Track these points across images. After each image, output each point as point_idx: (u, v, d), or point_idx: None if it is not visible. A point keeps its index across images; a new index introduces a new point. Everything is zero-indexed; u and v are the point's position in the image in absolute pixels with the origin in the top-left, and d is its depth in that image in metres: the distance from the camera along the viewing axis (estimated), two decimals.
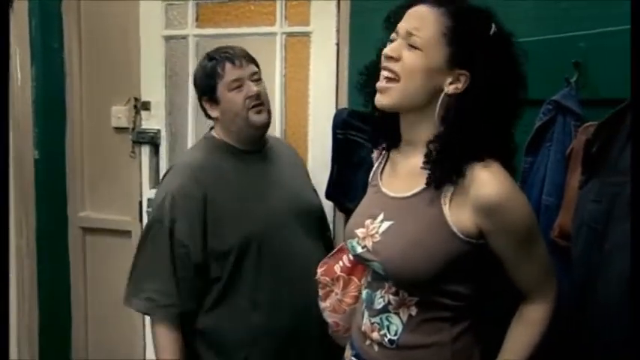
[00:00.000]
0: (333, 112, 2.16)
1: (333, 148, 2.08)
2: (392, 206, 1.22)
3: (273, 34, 2.26)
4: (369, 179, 1.39)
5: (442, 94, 1.16)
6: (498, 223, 1.12)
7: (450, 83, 1.15)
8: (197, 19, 2.37)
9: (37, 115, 2.59)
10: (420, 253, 1.14)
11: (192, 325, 1.69)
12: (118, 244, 2.62)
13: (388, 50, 1.16)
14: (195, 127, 2.37)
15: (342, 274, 1.46)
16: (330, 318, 1.50)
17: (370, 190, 1.35)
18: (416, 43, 1.13)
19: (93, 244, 2.72)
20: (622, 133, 1.22)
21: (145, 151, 2.50)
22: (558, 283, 1.24)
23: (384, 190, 1.28)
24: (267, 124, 1.75)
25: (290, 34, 2.26)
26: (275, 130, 2.27)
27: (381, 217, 1.22)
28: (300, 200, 1.81)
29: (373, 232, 1.22)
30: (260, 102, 1.70)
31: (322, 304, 1.52)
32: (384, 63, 1.17)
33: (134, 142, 2.52)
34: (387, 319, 1.22)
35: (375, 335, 1.23)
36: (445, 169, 1.13)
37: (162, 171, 2.43)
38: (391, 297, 1.20)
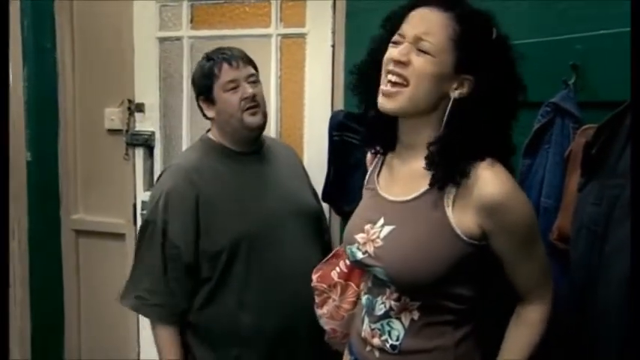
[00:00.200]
0: (328, 113, 2.15)
1: (329, 150, 2.07)
2: (392, 210, 1.21)
3: (269, 35, 2.25)
4: (365, 183, 1.38)
5: (447, 99, 1.15)
6: (501, 222, 1.12)
7: (456, 88, 1.15)
8: (192, 21, 2.36)
9: (29, 116, 2.57)
10: (424, 257, 1.13)
11: (185, 322, 1.71)
12: (111, 247, 2.61)
13: (397, 54, 1.14)
14: (189, 129, 2.36)
15: (340, 280, 1.45)
16: (327, 325, 1.49)
17: (367, 195, 1.34)
18: (425, 49, 1.12)
19: (86, 247, 2.70)
20: (621, 136, 1.22)
21: (139, 153, 2.49)
22: (556, 286, 1.24)
23: (382, 194, 1.27)
24: (262, 126, 1.75)
25: (285, 36, 2.25)
26: (270, 132, 2.26)
27: (381, 221, 1.21)
28: (297, 201, 1.80)
29: (374, 236, 1.20)
30: (255, 104, 1.71)
31: (319, 311, 1.51)
32: (392, 67, 1.15)
33: (128, 144, 2.50)
34: (389, 325, 1.21)
35: (376, 341, 1.22)
36: (448, 169, 1.13)
37: (157, 173, 2.41)
38: (393, 302, 1.20)
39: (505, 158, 1.18)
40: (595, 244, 1.23)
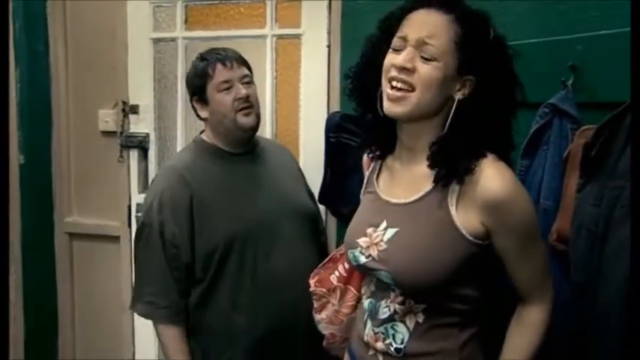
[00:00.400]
0: (324, 115, 2.14)
1: (325, 151, 2.06)
2: (395, 213, 1.20)
3: (264, 36, 2.24)
4: (363, 187, 1.37)
5: (451, 101, 1.15)
6: (504, 219, 1.12)
7: (458, 90, 1.15)
8: (186, 22, 2.35)
9: (22, 118, 2.54)
10: (430, 259, 1.13)
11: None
12: (106, 250, 2.59)
13: (402, 61, 1.12)
14: (184, 130, 2.35)
15: (339, 284, 1.44)
16: (326, 330, 1.48)
17: (366, 198, 1.33)
18: (430, 53, 1.11)
19: (80, 250, 2.67)
20: (620, 137, 1.22)
21: (134, 155, 2.47)
22: (556, 287, 1.23)
23: (383, 197, 1.25)
24: (255, 127, 1.74)
25: (280, 37, 2.25)
26: (266, 134, 2.25)
27: (384, 224, 1.20)
28: (292, 202, 1.79)
29: (377, 240, 1.19)
30: (249, 105, 1.70)
31: (317, 316, 1.50)
32: (396, 73, 1.13)
33: (122, 146, 2.48)
34: (393, 328, 1.20)
35: (380, 345, 1.21)
36: (451, 166, 1.12)
37: (151, 175, 2.41)
38: (397, 306, 1.19)
39: (505, 154, 1.19)
40: (595, 245, 1.23)
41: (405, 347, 1.18)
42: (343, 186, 2.02)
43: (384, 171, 1.31)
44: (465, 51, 1.12)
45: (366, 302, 1.28)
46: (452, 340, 1.17)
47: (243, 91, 1.68)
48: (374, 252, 1.19)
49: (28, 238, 2.61)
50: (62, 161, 2.62)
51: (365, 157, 1.40)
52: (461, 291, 1.15)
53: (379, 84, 1.17)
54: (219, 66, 1.68)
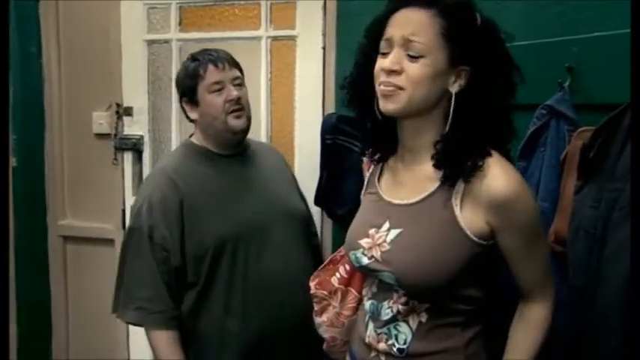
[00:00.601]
0: (319, 116, 2.14)
1: (321, 153, 2.05)
2: (398, 213, 1.20)
3: (258, 38, 2.23)
4: (364, 188, 1.37)
5: (447, 95, 1.14)
6: (510, 218, 1.11)
7: (454, 82, 1.14)
8: (180, 23, 2.33)
9: (15, 121, 2.52)
10: (434, 259, 1.12)
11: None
12: (100, 253, 2.57)
13: (389, 64, 1.12)
14: (179, 132, 2.34)
15: (340, 285, 1.44)
16: (326, 333, 1.47)
17: (368, 199, 1.32)
18: (417, 50, 1.10)
19: (74, 253, 2.66)
20: (618, 138, 1.23)
21: (128, 157, 2.45)
22: (556, 288, 1.23)
23: (386, 198, 1.25)
24: (245, 130, 1.72)
25: (275, 38, 2.24)
26: (261, 136, 2.25)
27: (386, 225, 1.20)
28: (283, 204, 1.78)
29: (380, 241, 1.19)
30: (240, 107, 1.68)
31: (318, 320, 1.49)
32: (385, 78, 1.13)
33: (116, 148, 2.47)
34: (396, 328, 1.19)
35: (382, 346, 1.21)
36: (458, 164, 1.12)
37: None
38: (400, 307, 1.18)
39: (507, 147, 1.19)
40: (593, 247, 1.23)
41: (407, 347, 1.18)
42: (339, 187, 2.02)
43: (386, 172, 1.30)
44: (454, 42, 1.11)
45: (367, 304, 1.27)
46: (456, 339, 1.17)
47: (234, 92, 1.67)
48: (377, 253, 1.19)
49: (21, 241, 2.59)
50: (56, 164, 2.60)
51: (365, 160, 1.39)
52: (465, 292, 1.15)
53: (374, 90, 1.17)
54: (210, 67, 1.67)
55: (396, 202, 1.22)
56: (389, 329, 1.20)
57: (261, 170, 1.81)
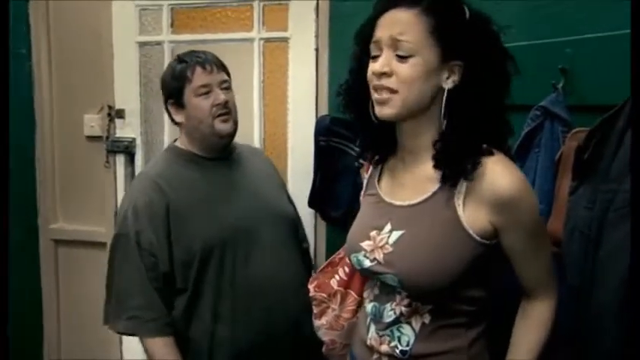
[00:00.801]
0: (312, 118, 2.14)
1: (315, 155, 2.05)
2: (399, 215, 1.19)
3: (251, 39, 2.23)
4: (363, 190, 1.36)
5: (442, 91, 1.13)
6: (514, 217, 1.11)
7: (447, 78, 1.13)
8: (172, 25, 2.33)
9: None
10: (437, 260, 1.12)
11: None
12: (92, 257, 2.55)
13: (378, 66, 1.11)
14: (171, 135, 2.32)
15: (340, 288, 1.43)
16: (325, 336, 1.47)
17: (368, 201, 1.31)
18: (405, 50, 1.10)
19: (66, 257, 2.64)
20: (612, 139, 1.22)
21: (120, 160, 2.44)
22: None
23: (387, 199, 1.24)
24: (232, 134, 1.69)
25: (268, 40, 2.23)
26: (254, 138, 2.24)
27: (388, 227, 1.19)
28: (271, 208, 1.75)
29: (382, 243, 1.18)
30: (227, 111, 1.65)
31: (317, 322, 1.48)
32: (377, 82, 1.12)
33: (108, 151, 2.45)
34: (398, 330, 1.19)
35: (385, 348, 1.20)
36: (458, 163, 1.11)
37: None
38: (403, 308, 1.18)
39: (506, 141, 1.19)
40: (588, 249, 1.23)
41: (410, 349, 1.17)
42: (333, 189, 2.02)
43: (386, 173, 1.30)
44: (443, 38, 1.10)
45: (369, 306, 1.26)
46: (459, 340, 1.17)
47: (222, 96, 1.64)
48: (379, 255, 1.18)
49: (12, 244, 2.55)
50: (47, 167, 2.58)
51: (364, 163, 1.39)
52: (467, 292, 1.15)
53: (369, 94, 1.17)
54: (198, 69, 1.63)
55: (398, 203, 1.21)
56: (391, 331, 1.19)
57: (248, 173, 1.78)
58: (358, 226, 1.28)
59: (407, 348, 1.17)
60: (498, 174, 1.10)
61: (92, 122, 2.49)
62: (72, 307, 2.65)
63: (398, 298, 1.18)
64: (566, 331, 1.25)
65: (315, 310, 1.48)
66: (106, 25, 2.37)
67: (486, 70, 1.12)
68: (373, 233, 1.20)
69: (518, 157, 1.48)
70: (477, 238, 1.11)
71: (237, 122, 1.70)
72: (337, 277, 1.44)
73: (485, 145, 1.13)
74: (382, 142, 1.26)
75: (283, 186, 1.94)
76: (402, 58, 1.10)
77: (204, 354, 1.62)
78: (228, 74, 1.71)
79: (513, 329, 1.22)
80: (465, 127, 1.12)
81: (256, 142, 2.25)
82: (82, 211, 2.57)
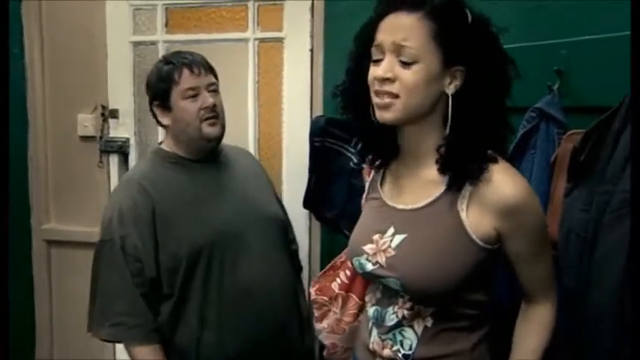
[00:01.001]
0: (307, 119, 2.13)
1: (310, 156, 2.05)
2: (402, 219, 1.19)
3: (246, 39, 2.22)
4: (365, 193, 1.35)
5: (444, 96, 1.13)
6: (520, 224, 1.11)
7: (450, 83, 1.12)
8: (166, 25, 2.32)
9: None
10: (440, 265, 1.11)
11: None
12: (85, 257, 2.48)
13: (381, 72, 1.10)
14: (165, 135, 2.30)
15: (341, 291, 1.42)
16: (327, 340, 1.46)
17: (370, 205, 1.30)
18: (409, 56, 1.09)
19: (58, 258, 2.62)
20: (608, 141, 1.23)
21: (114, 160, 2.44)
22: None
23: (390, 203, 1.24)
24: (219, 137, 1.66)
25: (263, 40, 2.23)
26: (248, 138, 2.24)
27: (391, 230, 1.18)
28: (259, 211, 1.72)
29: (385, 246, 1.17)
30: (215, 114, 1.62)
31: (318, 326, 1.48)
32: (379, 87, 1.11)
33: (102, 151, 2.44)
34: (401, 334, 1.18)
35: (387, 352, 1.20)
36: (463, 168, 1.11)
37: None
38: (406, 312, 1.17)
39: (505, 144, 1.19)
40: (584, 251, 1.23)
41: (413, 353, 1.17)
42: (327, 190, 2.02)
43: (388, 177, 1.29)
44: (446, 44, 1.09)
45: (371, 310, 1.26)
46: (462, 343, 1.16)
47: (210, 100, 1.61)
48: (381, 259, 1.18)
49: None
50: (40, 167, 2.56)
51: (365, 165, 1.38)
52: (470, 296, 1.15)
53: (369, 97, 1.16)
54: (185, 71, 1.60)
55: (401, 207, 1.21)
56: (394, 335, 1.19)
57: (236, 175, 1.75)
58: (361, 229, 1.27)
59: (409, 352, 1.17)
60: (504, 181, 1.10)
61: (86, 122, 2.48)
62: (64, 308, 2.63)
63: (400, 301, 1.18)
64: (563, 333, 1.25)
65: (317, 313, 1.47)
66: (99, 24, 2.36)
67: (488, 74, 1.11)
68: (376, 237, 1.20)
69: (514, 159, 1.48)
70: (480, 242, 1.11)
71: (224, 126, 1.67)
72: (339, 280, 1.44)
73: (490, 152, 1.13)
74: (384, 145, 1.25)
75: (272, 187, 1.90)
76: (405, 64, 1.09)
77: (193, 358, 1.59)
78: (215, 76, 1.68)
79: (514, 333, 1.22)
80: (468, 131, 1.11)
81: (251, 143, 2.24)
82: (75, 212, 2.55)
